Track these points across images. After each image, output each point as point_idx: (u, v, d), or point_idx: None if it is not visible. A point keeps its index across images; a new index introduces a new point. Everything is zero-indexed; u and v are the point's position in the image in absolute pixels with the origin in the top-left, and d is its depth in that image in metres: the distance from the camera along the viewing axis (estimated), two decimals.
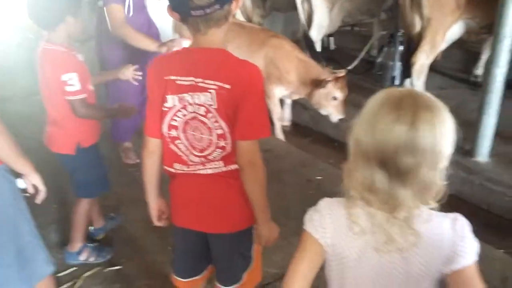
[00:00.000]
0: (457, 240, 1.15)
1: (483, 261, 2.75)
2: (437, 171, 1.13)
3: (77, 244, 2.75)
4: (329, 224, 1.24)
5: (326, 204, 1.28)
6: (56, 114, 2.46)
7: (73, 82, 2.32)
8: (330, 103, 4.21)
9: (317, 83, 4.18)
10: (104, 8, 3.28)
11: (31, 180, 1.95)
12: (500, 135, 3.74)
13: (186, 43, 2.96)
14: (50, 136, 2.54)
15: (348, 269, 1.25)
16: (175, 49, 3.01)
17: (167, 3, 1.56)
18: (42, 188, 1.99)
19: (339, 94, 4.15)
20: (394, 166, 1.11)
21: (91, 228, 2.97)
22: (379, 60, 5.72)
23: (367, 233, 1.18)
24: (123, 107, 2.65)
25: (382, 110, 1.12)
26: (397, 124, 1.09)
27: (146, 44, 3.16)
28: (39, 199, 2.01)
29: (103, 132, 4.33)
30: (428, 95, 1.16)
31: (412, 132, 1.08)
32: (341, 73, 4.12)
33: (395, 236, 1.15)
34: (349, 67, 5.76)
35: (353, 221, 1.19)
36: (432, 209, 1.19)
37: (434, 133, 1.10)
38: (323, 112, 4.32)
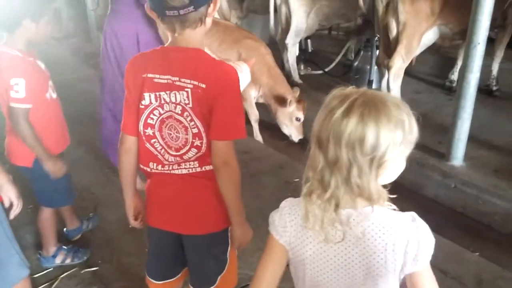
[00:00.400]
0: (421, 242, 1.16)
1: (459, 264, 2.82)
2: (371, 177, 1.12)
3: (51, 248, 2.71)
4: (289, 223, 1.26)
5: (286, 204, 1.30)
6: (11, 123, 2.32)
7: (19, 88, 2.18)
8: (293, 123, 4.40)
9: (281, 101, 4.33)
10: None
11: (6, 192, 1.87)
12: (473, 139, 3.82)
13: (246, 68, 3.03)
14: (8, 145, 2.44)
15: (307, 265, 1.27)
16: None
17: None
18: (16, 202, 1.90)
19: (302, 116, 4.33)
20: (325, 151, 1.13)
21: (64, 229, 2.93)
22: (356, 63, 5.80)
23: (316, 227, 1.19)
24: (54, 161, 2.40)
25: (330, 101, 1.15)
26: (334, 113, 1.11)
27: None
28: (13, 214, 1.92)
29: (80, 133, 4.33)
30: (387, 97, 1.15)
31: (343, 122, 1.09)
32: (296, 92, 4.37)
33: (330, 230, 1.17)
34: (326, 69, 5.86)
35: (305, 215, 1.20)
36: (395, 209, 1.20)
37: (364, 131, 1.08)
38: (286, 131, 4.51)
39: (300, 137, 4.44)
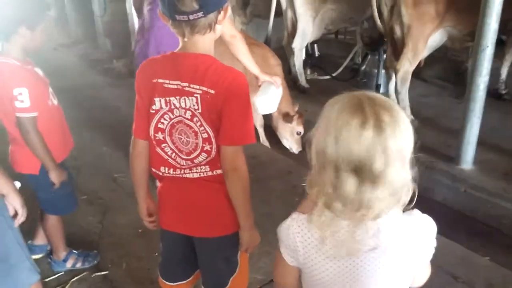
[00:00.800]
0: (432, 238, 1.21)
1: (469, 268, 2.82)
2: (405, 171, 1.12)
3: (61, 253, 2.72)
4: (300, 244, 1.22)
5: (294, 223, 1.24)
6: (15, 132, 2.30)
7: (23, 97, 2.18)
8: (294, 137, 4.52)
9: (285, 116, 4.42)
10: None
11: (10, 201, 1.86)
12: (482, 143, 3.80)
13: (280, 86, 3.09)
14: (13, 154, 2.42)
15: (327, 283, 1.24)
16: (272, 85, 3.09)
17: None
18: (20, 211, 1.89)
19: (302, 130, 4.43)
20: (366, 171, 1.08)
21: (29, 242, 2.77)
22: (363, 67, 5.80)
23: (337, 245, 1.16)
24: (59, 170, 2.41)
25: (342, 117, 1.09)
26: (363, 130, 1.06)
27: (252, 65, 3.07)
28: (17, 222, 1.91)
29: (87, 138, 4.36)
30: (381, 96, 1.17)
31: (379, 135, 1.06)
32: (296, 106, 4.47)
33: (362, 243, 1.15)
34: (334, 74, 5.85)
35: (321, 235, 1.17)
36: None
37: (399, 133, 1.09)
38: (286, 144, 4.60)
39: (300, 149, 4.54)
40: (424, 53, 4.50)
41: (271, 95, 3.23)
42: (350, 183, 1.09)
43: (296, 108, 4.48)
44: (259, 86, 3.19)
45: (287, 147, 4.60)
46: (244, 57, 3.08)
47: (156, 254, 2.74)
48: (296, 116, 4.40)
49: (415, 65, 4.43)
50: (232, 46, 3.05)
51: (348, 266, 1.20)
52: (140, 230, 3.02)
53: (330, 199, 1.13)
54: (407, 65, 4.37)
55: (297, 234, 1.22)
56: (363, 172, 1.08)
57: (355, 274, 1.20)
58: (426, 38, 4.32)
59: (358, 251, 1.16)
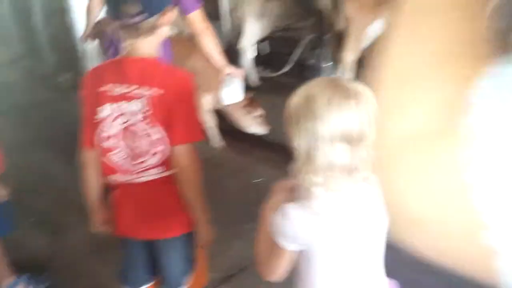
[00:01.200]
0: None
1: None
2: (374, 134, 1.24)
3: (6, 279, 2.60)
4: (304, 229, 1.27)
5: (290, 211, 1.27)
6: None
7: None
8: (256, 121, 4.41)
9: (240, 106, 4.33)
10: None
11: None
12: None
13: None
14: None
15: (328, 257, 1.30)
16: (235, 78, 3.25)
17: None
18: None
19: (261, 111, 4.34)
20: (356, 137, 1.19)
21: None
22: (310, 61, 5.85)
23: (337, 216, 1.25)
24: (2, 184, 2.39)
25: (325, 96, 1.19)
26: (348, 100, 1.18)
27: (219, 57, 3.19)
28: None
29: (34, 159, 4.22)
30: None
31: (361, 101, 1.18)
32: (251, 94, 4.40)
33: (358, 206, 1.27)
34: (282, 71, 5.89)
35: (321, 212, 1.24)
36: None
37: (370, 95, 1.18)
38: (251, 131, 4.49)
39: (266, 128, 4.39)
40: (365, 43, 4.58)
41: (237, 86, 3.31)
42: (345, 152, 1.20)
43: (248, 96, 4.39)
44: (222, 79, 3.24)
45: (254, 132, 4.47)
46: (212, 49, 3.19)
47: (110, 269, 2.69)
48: (250, 103, 4.29)
49: (358, 55, 4.51)
50: (201, 38, 3.13)
51: (349, 232, 1.27)
52: (93, 248, 2.94)
53: (324, 176, 1.21)
54: (350, 56, 4.45)
55: (296, 220, 1.26)
56: (353, 138, 1.19)
57: (355, 237, 1.29)
58: (367, 28, 4.40)
59: (355, 215, 1.27)
